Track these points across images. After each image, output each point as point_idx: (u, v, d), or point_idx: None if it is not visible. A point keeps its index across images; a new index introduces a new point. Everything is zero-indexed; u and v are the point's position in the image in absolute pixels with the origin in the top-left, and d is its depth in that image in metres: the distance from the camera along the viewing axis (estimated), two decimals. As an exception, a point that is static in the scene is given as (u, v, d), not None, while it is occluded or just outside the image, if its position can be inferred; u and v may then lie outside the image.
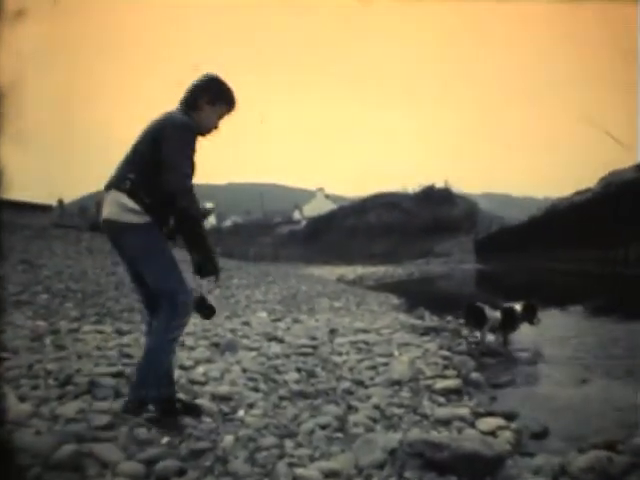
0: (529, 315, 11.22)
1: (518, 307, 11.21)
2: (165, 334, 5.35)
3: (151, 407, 5.37)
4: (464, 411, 6.35)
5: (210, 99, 5.59)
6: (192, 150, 5.38)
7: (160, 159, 5.21)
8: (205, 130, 5.64)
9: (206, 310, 5.66)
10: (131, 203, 5.23)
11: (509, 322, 11.12)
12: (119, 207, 5.27)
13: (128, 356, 7.86)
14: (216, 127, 5.72)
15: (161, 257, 5.40)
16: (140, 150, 5.41)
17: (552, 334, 12.42)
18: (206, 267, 5.49)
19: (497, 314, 11.04)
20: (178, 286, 5.34)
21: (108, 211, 5.34)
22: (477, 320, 11.07)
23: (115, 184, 5.34)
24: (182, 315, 5.38)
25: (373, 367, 8.26)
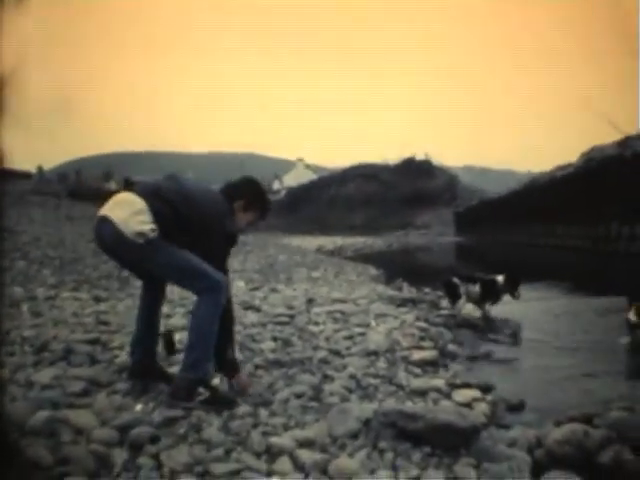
0: (511, 287, 11.28)
1: (500, 279, 11.27)
2: (214, 317, 5.31)
3: (201, 389, 5.34)
4: (440, 382, 6.37)
5: (245, 205, 5.65)
6: (228, 245, 5.54)
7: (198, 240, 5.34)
8: (233, 230, 5.60)
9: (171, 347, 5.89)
10: (151, 226, 5.12)
11: (490, 294, 11.17)
12: (143, 228, 5.11)
13: (105, 323, 7.86)
14: (242, 231, 5.82)
15: (178, 253, 5.28)
16: (183, 211, 5.31)
17: (533, 309, 12.47)
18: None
19: (476, 287, 11.09)
20: (209, 275, 5.27)
21: (134, 229, 5.12)
22: (453, 294, 11.15)
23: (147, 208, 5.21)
24: (223, 294, 5.36)
25: (350, 337, 8.27)
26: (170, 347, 6.37)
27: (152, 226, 5.09)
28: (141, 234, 5.05)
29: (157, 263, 5.28)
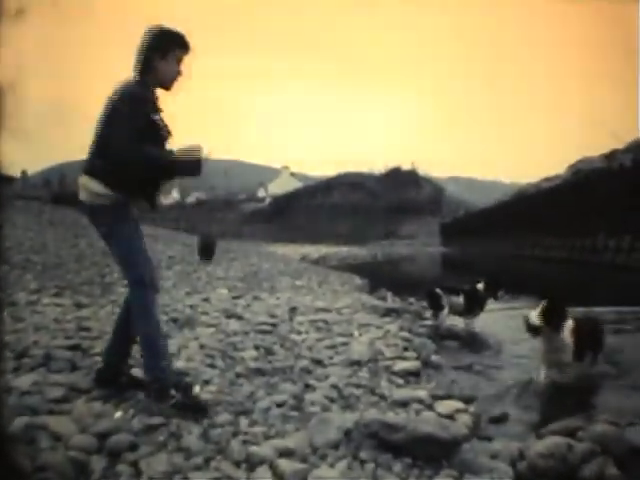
0: (492, 292, 11.29)
1: (480, 286, 11.28)
2: (144, 315, 5.44)
3: (172, 392, 5.30)
4: (422, 393, 6.34)
5: (161, 54, 5.50)
6: (140, 118, 5.32)
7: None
8: (168, 83, 5.62)
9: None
10: (95, 185, 5.30)
11: (473, 304, 11.18)
12: (86, 190, 5.35)
13: (86, 329, 7.83)
14: (179, 74, 5.65)
15: (127, 239, 5.46)
16: (98, 130, 5.43)
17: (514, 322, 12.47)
18: (189, 168, 5.49)
19: (459, 299, 11.10)
20: (143, 266, 5.44)
21: (80, 194, 5.43)
22: (435, 305, 11.15)
23: (84, 167, 5.43)
24: (150, 289, 5.46)
25: (332, 346, 8.26)
26: (206, 253, 6.25)
27: (101, 188, 5.31)
28: (93, 195, 5.33)
29: (113, 251, 5.56)
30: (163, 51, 5.49)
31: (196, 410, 5.23)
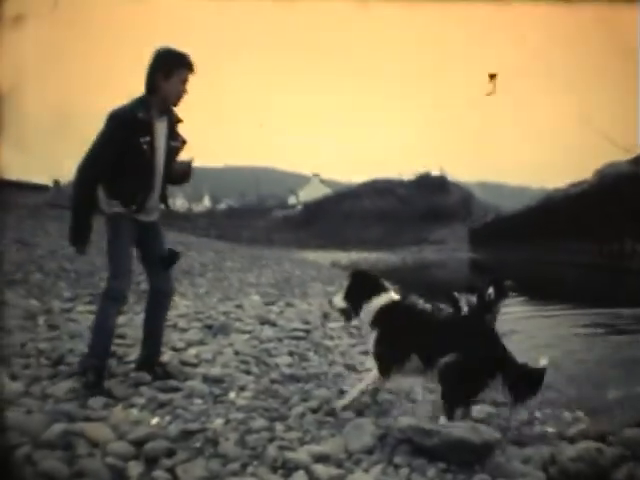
0: (502, 293, 11.19)
1: (490, 289, 11.21)
2: (98, 317, 6.22)
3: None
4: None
5: (164, 75, 5.86)
6: (111, 138, 5.84)
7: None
8: (172, 102, 6.04)
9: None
10: (100, 193, 5.94)
11: (485, 302, 11.10)
12: (99, 198, 5.97)
13: (121, 336, 7.86)
14: (184, 92, 6.04)
15: (114, 245, 6.10)
16: None
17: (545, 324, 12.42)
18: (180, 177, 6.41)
19: (474, 297, 11.04)
20: (114, 275, 6.12)
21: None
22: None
23: None
24: (111, 296, 6.10)
25: (365, 352, 8.22)
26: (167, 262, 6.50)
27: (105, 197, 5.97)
28: (104, 202, 6.00)
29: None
30: (166, 71, 5.88)
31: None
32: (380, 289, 6.05)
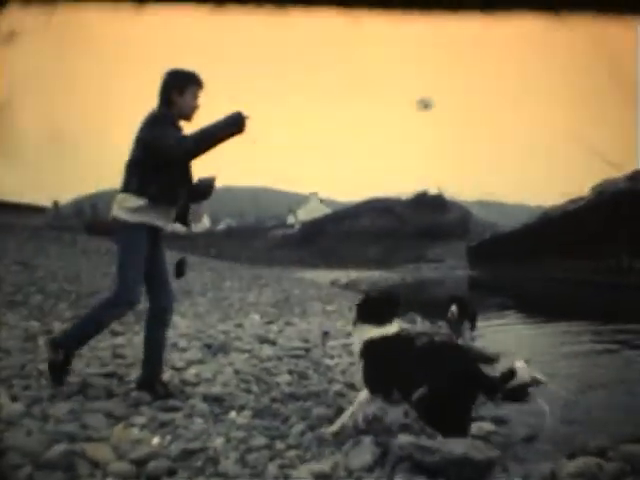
0: (465, 315, 11.19)
1: (454, 308, 11.20)
2: (96, 309, 6.45)
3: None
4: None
5: (178, 91, 6.20)
6: (168, 125, 6.12)
7: (146, 153, 6.09)
8: (188, 116, 6.32)
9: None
10: (135, 201, 6.04)
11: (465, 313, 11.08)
12: (120, 207, 6.14)
13: (121, 357, 7.89)
14: (196, 107, 6.35)
15: (130, 254, 6.20)
16: (131, 152, 6.20)
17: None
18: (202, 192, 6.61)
19: (453, 307, 11.05)
20: (125, 283, 6.18)
21: (113, 210, 6.19)
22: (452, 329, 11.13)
23: (121, 188, 6.18)
24: (116, 303, 6.26)
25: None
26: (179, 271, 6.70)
27: (134, 205, 6.10)
28: (124, 209, 6.16)
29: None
30: (180, 88, 6.21)
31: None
32: (380, 319, 5.89)
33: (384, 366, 5.65)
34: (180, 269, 6.61)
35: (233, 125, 5.86)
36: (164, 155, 5.98)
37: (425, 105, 8.12)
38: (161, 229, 6.38)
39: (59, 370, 6.20)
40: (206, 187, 6.50)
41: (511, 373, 5.16)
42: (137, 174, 6.11)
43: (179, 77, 6.26)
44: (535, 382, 5.58)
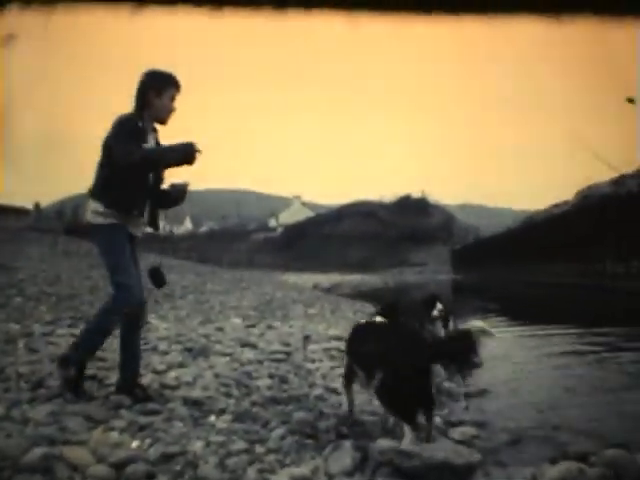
0: (430, 305, 11.06)
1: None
2: (99, 317, 6.34)
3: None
4: (436, 420, 6.34)
5: (156, 92, 6.17)
6: (130, 133, 6.01)
7: (106, 157, 6.08)
8: (164, 118, 6.33)
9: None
10: (97, 206, 6.06)
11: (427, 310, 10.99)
12: (90, 211, 6.16)
13: (101, 359, 7.85)
14: (172, 110, 6.34)
15: (115, 256, 6.15)
16: (100, 157, 6.19)
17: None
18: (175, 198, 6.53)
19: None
20: (122, 286, 6.14)
21: (85, 215, 6.20)
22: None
23: (89, 191, 6.19)
24: (115, 310, 6.26)
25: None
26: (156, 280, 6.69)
27: (101, 208, 6.08)
28: (93, 213, 6.13)
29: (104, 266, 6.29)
30: (158, 89, 6.18)
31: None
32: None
33: (356, 347, 6.07)
34: (157, 278, 6.57)
35: (183, 155, 5.84)
36: (115, 161, 5.90)
37: (630, 100, 8.87)
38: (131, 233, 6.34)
39: (74, 383, 6.16)
40: (178, 192, 6.43)
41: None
42: (101, 178, 6.12)
43: (157, 78, 6.22)
44: (483, 332, 5.61)
